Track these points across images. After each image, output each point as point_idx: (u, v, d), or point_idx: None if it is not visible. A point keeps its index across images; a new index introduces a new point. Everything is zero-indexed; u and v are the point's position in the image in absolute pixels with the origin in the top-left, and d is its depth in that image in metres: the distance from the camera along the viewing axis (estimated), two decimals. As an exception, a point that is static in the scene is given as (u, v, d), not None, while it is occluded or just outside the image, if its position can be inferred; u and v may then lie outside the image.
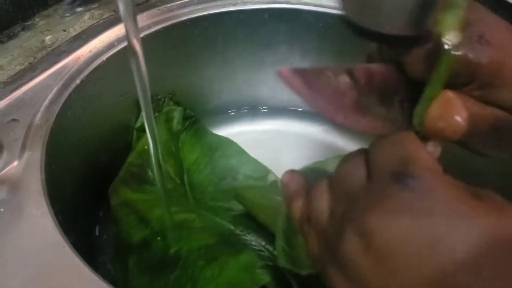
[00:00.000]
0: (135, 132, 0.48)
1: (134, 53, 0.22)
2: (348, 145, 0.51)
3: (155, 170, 0.30)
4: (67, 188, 0.37)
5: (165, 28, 0.44)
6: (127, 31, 0.21)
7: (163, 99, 0.50)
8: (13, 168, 0.33)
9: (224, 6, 0.45)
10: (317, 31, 0.46)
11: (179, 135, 0.51)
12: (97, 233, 0.44)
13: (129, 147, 0.47)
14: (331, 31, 0.45)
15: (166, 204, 0.32)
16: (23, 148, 0.34)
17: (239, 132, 0.54)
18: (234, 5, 0.45)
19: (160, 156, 0.30)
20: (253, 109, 0.56)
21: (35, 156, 0.34)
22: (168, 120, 0.50)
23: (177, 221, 0.34)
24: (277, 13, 0.45)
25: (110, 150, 0.45)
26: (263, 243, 0.35)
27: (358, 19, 0.20)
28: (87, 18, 0.44)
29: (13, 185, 0.32)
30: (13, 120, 0.36)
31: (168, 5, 0.45)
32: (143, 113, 0.27)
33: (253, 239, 0.35)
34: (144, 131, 0.48)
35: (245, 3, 0.45)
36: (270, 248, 0.34)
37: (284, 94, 0.54)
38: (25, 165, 0.33)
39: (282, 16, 0.45)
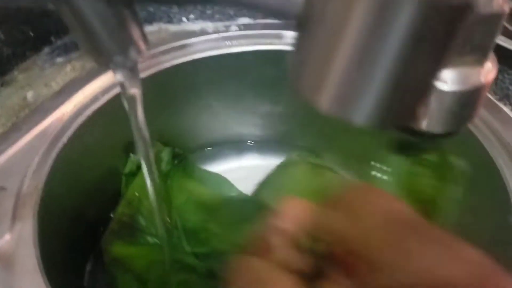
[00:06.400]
0: (123, 178, 0.48)
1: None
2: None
3: (158, 226, 0.30)
4: (58, 254, 0.37)
5: (149, 76, 0.43)
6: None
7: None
8: (6, 243, 0.32)
9: (209, 49, 0.45)
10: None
11: (168, 175, 0.51)
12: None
13: (119, 195, 0.47)
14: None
15: (169, 263, 0.31)
16: (14, 219, 0.33)
17: (226, 169, 0.54)
18: (218, 48, 0.45)
19: (165, 211, 0.30)
20: (239, 147, 0.56)
21: (27, 228, 0.33)
22: (157, 162, 0.50)
23: (177, 282, 0.34)
24: (262, 55, 0.45)
25: (99, 203, 0.44)
26: None
27: None
28: (68, 70, 0.43)
29: (6, 261, 0.31)
30: (1, 188, 0.35)
31: (151, 52, 0.45)
32: (143, 166, 0.27)
33: None
34: (133, 176, 0.48)
35: (228, 47, 0.45)
36: None
37: (268, 132, 0.55)
38: (17, 238, 0.32)
39: (267, 58, 0.45)
